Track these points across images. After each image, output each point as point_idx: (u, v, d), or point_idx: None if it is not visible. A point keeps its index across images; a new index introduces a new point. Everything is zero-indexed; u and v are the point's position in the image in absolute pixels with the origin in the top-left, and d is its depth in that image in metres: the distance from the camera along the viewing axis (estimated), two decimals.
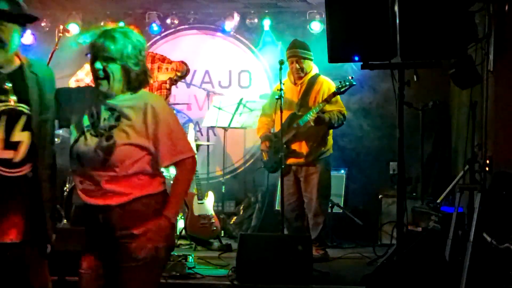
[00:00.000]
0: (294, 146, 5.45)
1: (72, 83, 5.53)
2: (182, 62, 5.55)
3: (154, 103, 2.67)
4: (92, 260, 2.70)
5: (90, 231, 2.70)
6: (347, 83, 5.22)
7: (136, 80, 2.67)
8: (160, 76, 5.46)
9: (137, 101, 2.67)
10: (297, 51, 5.47)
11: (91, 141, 2.62)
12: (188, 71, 5.62)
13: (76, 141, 2.65)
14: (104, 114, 2.66)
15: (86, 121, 2.67)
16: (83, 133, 2.65)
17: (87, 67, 5.66)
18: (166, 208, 2.67)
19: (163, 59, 5.58)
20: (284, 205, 5.22)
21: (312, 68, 5.56)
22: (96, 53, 2.60)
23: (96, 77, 2.63)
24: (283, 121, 5.29)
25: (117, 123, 2.62)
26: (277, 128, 5.48)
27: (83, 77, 5.63)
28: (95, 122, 2.65)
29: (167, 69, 5.46)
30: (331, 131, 5.54)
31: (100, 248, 2.68)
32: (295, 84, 5.53)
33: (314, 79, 5.51)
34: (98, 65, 2.59)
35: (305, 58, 5.46)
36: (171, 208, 2.69)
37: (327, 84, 5.47)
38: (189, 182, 2.80)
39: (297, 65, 5.45)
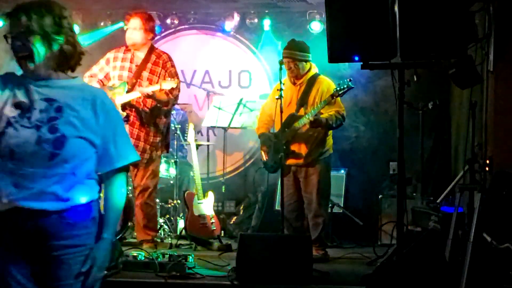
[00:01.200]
0: (293, 147, 5.42)
1: (86, 79, 5.51)
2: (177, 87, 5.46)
3: (103, 97, 2.43)
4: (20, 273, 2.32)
5: (15, 242, 2.30)
6: (345, 86, 5.16)
7: (63, 53, 2.34)
8: (164, 84, 5.37)
9: (82, 92, 2.39)
10: (292, 53, 5.41)
11: (26, 134, 2.27)
12: (177, 97, 5.54)
13: (3, 133, 2.27)
14: (40, 104, 2.31)
15: (10, 111, 2.31)
16: (9, 124, 2.29)
17: (102, 62, 5.64)
18: (107, 230, 2.42)
19: (172, 75, 5.51)
20: (284, 205, 5.21)
21: (312, 68, 5.51)
22: (13, 30, 2.29)
23: (18, 58, 2.31)
24: (282, 121, 5.29)
25: (59, 114, 2.30)
26: (276, 128, 5.48)
27: (97, 72, 5.60)
28: (25, 112, 2.30)
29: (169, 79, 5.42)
30: (330, 131, 5.53)
31: (28, 260, 2.33)
32: (294, 84, 5.51)
33: (313, 79, 5.46)
34: (17, 42, 2.29)
35: (300, 60, 5.40)
36: (111, 228, 2.44)
37: (327, 84, 5.42)
38: (125, 192, 2.54)
39: (291, 65, 5.42)
